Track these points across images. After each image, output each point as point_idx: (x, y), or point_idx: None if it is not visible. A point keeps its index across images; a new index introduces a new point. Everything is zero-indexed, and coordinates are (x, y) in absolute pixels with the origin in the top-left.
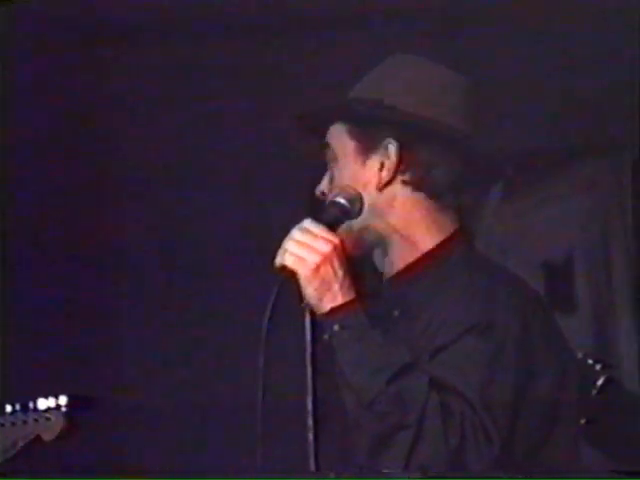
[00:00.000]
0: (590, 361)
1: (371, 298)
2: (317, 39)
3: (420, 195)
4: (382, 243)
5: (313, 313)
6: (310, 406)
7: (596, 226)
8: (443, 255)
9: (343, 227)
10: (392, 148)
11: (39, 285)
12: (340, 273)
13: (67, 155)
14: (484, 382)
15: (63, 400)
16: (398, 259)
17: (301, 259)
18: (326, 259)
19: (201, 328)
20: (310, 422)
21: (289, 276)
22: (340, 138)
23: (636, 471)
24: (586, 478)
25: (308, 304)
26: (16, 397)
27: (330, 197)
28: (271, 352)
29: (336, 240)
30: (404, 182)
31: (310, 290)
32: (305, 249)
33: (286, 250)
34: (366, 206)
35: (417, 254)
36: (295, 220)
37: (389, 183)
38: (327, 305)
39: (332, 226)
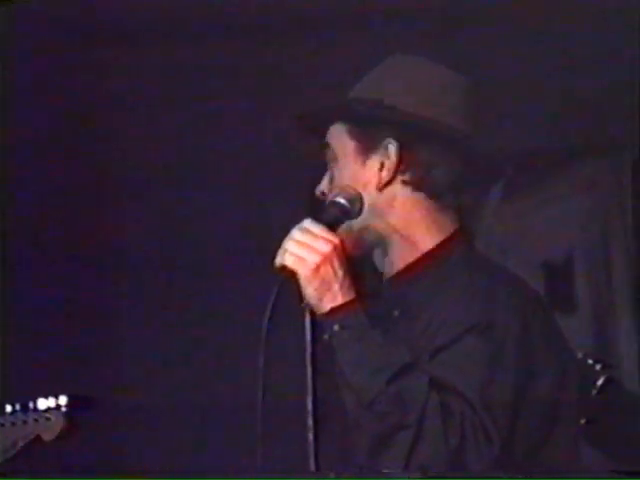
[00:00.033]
0: (590, 361)
1: (371, 298)
2: (317, 39)
3: (420, 195)
4: (382, 243)
5: (313, 313)
6: (310, 406)
7: (596, 226)
8: (443, 255)
9: (343, 227)
10: (392, 148)
11: (39, 285)
12: (340, 273)
13: (67, 155)
14: (484, 382)
15: (63, 400)
16: (398, 259)
17: (301, 259)
18: (326, 259)
19: (201, 328)
20: (310, 422)
21: (289, 276)
22: (340, 138)
23: (636, 471)
24: (586, 478)
25: (308, 304)
26: (16, 397)
27: (330, 197)
28: (271, 352)
29: (336, 240)
30: (404, 182)
31: (310, 290)
32: (305, 249)
33: (286, 250)
34: (366, 206)
35: (417, 254)
36: (295, 220)
37: (389, 183)
38: (327, 305)
39: (332, 226)
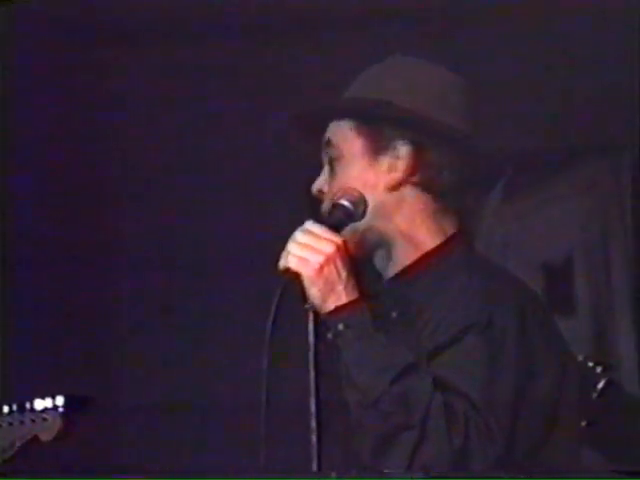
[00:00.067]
0: (590, 364)
1: (373, 298)
2: (317, 39)
3: (428, 197)
4: (385, 244)
5: (316, 315)
6: (313, 407)
7: (596, 226)
8: (443, 255)
9: (348, 229)
10: (404, 149)
11: (39, 285)
12: (344, 273)
13: (67, 155)
14: (485, 382)
15: (60, 400)
16: (400, 260)
17: (304, 260)
18: (329, 260)
19: (203, 329)
20: (313, 423)
21: (293, 278)
22: (345, 136)
23: (636, 471)
24: (587, 478)
25: (312, 305)
26: (16, 397)
27: (334, 199)
28: (274, 354)
29: (339, 240)
30: (414, 183)
31: (314, 291)
32: (308, 250)
33: (289, 252)
34: (371, 207)
35: (419, 255)
36: (295, 220)
37: (399, 184)
38: (331, 305)
39: (336, 228)
